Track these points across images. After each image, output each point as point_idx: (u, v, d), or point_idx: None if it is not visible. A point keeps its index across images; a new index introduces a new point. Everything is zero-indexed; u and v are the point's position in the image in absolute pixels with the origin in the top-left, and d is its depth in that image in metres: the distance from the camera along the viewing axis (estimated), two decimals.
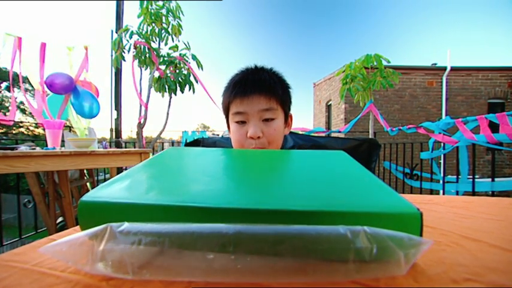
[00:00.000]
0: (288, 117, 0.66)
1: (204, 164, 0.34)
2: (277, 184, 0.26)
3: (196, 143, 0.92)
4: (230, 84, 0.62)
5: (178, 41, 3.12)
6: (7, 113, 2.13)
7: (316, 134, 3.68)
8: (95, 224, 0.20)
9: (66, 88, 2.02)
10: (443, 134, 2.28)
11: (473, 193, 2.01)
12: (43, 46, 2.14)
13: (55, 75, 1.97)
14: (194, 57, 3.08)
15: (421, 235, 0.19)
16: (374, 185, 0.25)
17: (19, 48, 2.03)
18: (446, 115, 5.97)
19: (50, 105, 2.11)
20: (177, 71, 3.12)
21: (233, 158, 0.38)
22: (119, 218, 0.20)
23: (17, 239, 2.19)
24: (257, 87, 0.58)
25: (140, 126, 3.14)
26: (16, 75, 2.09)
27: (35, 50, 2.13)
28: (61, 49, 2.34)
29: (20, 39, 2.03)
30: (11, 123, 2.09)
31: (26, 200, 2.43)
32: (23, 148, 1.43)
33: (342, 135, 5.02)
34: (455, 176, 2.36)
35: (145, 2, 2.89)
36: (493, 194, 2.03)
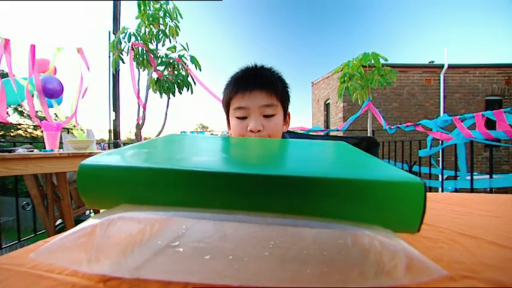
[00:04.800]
0: (286, 115, 0.67)
1: (207, 144, 0.34)
2: (278, 158, 0.27)
3: None
4: (232, 81, 0.63)
5: (176, 42, 3.11)
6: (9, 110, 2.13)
7: (314, 133, 3.68)
8: (95, 189, 0.20)
9: (58, 93, 2.03)
10: (441, 132, 2.29)
11: (472, 190, 2.01)
12: (32, 48, 2.12)
13: (48, 79, 1.97)
14: (192, 60, 3.07)
15: (424, 206, 0.18)
16: (378, 162, 0.24)
17: (6, 50, 2.01)
18: (444, 112, 5.99)
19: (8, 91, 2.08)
20: (175, 72, 3.12)
21: (235, 141, 0.39)
22: (120, 183, 0.20)
23: (15, 242, 2.17)
24: (259, 83, 0.59)
25: (139, 127, 3.14)
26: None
27: (26, 52, 2.12)
28: (51, 50, 2.33)
29: (7, 40, 2.01)
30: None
31: (24, 202, 2.42)
32: (21, 150, 1.42)
33: (340, 134, 5.03)
34: (453, 172, 2.37)
35: (142, 4, 2.88)
36: (491, 191, 2.04)
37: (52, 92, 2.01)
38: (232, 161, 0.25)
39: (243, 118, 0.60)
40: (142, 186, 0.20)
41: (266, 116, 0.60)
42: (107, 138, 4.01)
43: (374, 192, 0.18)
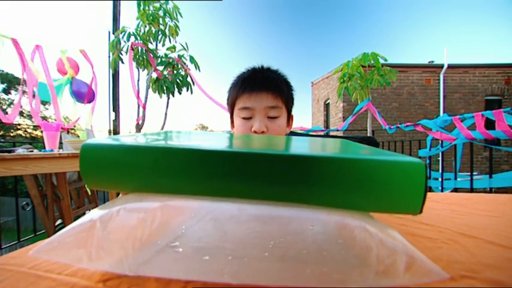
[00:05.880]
0: (289, 117, 0.68)
1: (209, 136, 0.35)
2: (283, 145, 0.27)
3: None
4: (238, 81, 0.63)
5: (176, 41, 3.11)
6: (8, 109, 2.16)
7: (314, 133, 3.68)
8: (97, 170, 0.20)
9: (89, 97, 2.11)
10: (441, 132, 2.29)
11: (471, 190, 2.02)
12: (39, 48, 2.13)
13: (79, 84, 2.02)
14: (192, 60, 3.07)
15: (425, 186, 0.18)
16: (379, 150, 0.24)
17: (17, 50, 2.03)
18: (443, 112, 5.99)
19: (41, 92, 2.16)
20: (175, 72, 3.12)
21: (239, 135, 0.40)
22: (122, 162, 0.20)
23: (15, 242, 2.17)
24: (265, 84, 0.60)
25: (138, 127, 3.14)
26: (14, 78, 2.11)
27: (29, 52, 2.13)
28: (55, 52, 2.35)
29: (15, 40, 2.02)
30: (11, 121, 2.07)
31: (24, 202, 2.42)
32: (20, 151, 1.42)
33: (340, 134, 5.03)
34: (452, 174, 2.37)
35: (142, 3, 2.88)
36: (491, 191, 2.04)
37: (84, 96, 2.08)
38: (235, 145, 0.25)
39: (248, 118, 0.61)
40: (144, 166, 0.20)
41: (270, 118, 0.61)
42: None
43: (376, 172, 0.18)
